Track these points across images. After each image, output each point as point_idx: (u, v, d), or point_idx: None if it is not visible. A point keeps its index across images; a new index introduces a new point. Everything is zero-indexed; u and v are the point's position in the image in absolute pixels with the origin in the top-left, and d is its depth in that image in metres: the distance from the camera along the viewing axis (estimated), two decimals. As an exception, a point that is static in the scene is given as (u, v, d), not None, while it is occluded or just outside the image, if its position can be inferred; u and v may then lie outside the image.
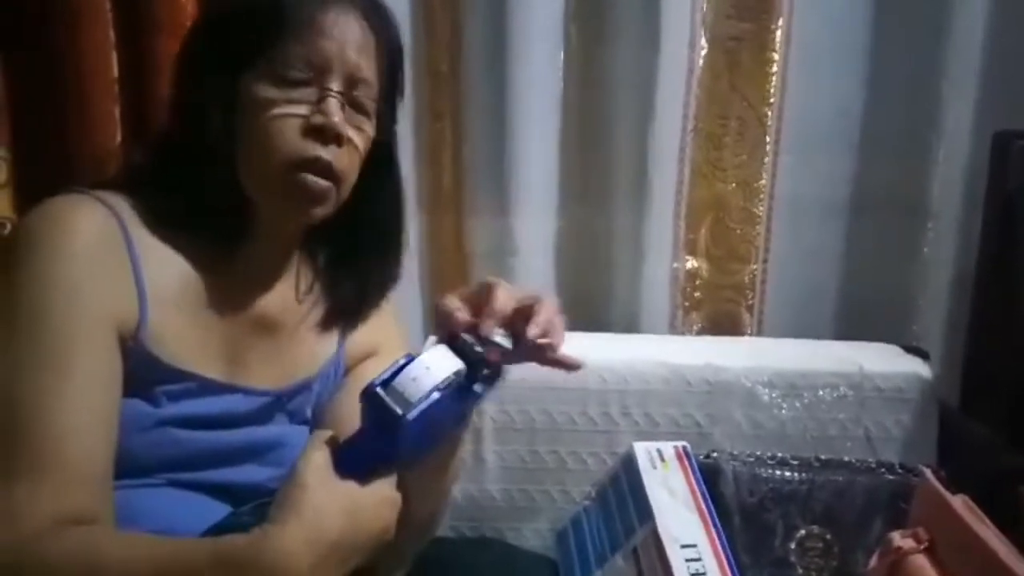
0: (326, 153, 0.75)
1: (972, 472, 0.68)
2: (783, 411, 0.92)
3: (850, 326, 1.21)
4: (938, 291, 1.18)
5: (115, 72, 1.03)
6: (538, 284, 1.21)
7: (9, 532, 0.61)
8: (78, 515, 0.64)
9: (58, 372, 0.66)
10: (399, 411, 0.61)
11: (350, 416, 0.82)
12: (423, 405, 0.62)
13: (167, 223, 0.75)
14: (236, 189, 0.76)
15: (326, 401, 0.89)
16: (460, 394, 0.65)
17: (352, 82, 0.76)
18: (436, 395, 0.62)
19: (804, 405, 0.92)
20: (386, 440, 0.63)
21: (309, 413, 0.88)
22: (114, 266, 0.71)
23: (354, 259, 0.86)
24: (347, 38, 0.76)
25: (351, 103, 0.77)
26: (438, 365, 0.63)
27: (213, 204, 0.76)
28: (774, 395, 0.93)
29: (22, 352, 0.66)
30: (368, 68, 0.77)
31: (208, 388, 0.77)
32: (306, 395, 0.87)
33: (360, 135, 0.78)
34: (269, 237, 0.80)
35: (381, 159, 0.82)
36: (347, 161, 0.77)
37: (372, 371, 0.87)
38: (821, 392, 0.93)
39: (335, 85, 0.75)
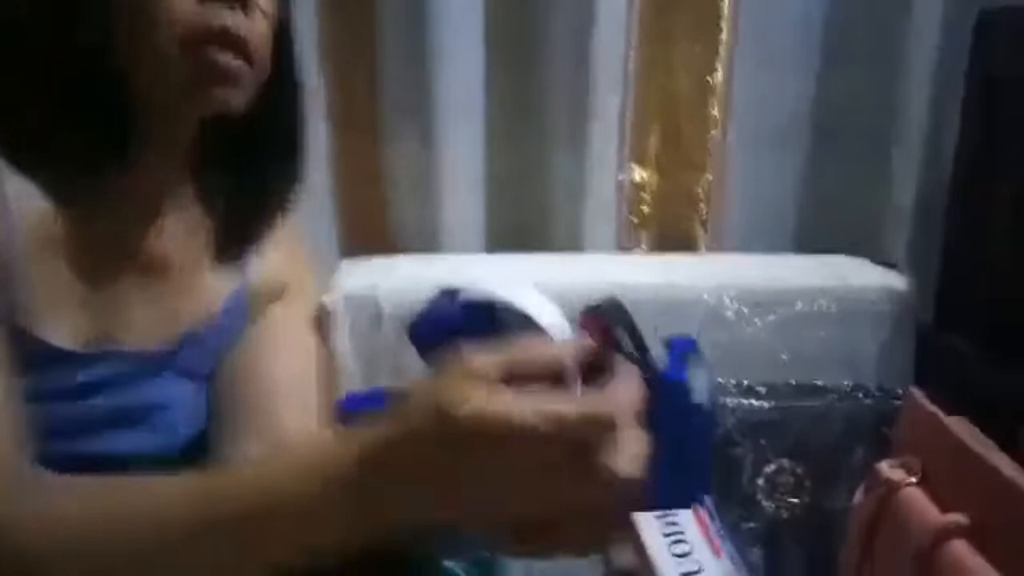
0: (232, 20, 0.63)
1: (956, 394, 0.63)
2: (749, 330, 0.86)
3: (811, 242, 1.15)
4: (906, 201, 1.13)
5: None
6: (466, 202, 1.12)
7: None
8: None
9: None
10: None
11: (257, 373, 0.79)
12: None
13: (15, 143, 0.63)
14: (110, 87, 0.63)
15: (227, 354, 0.80)
16: None
17: None
18: None
19: (773, 323, 0.86)
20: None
21: (203, 368, 0.79)
22: None
23: (249, 167, 0.75)
24: None
25: None
26: None
27: (79, 111, 0.63)
28: (741, 312, 0.86)
29: None
30: None
31: (69, 360, 0.68)
32: (199, 348, 0.78)
33: (267, 3, 0.66)
34: (157, 153, 0.69)
35: (278, 46, 0.70)
36: (259, 32, 0.65)
37: (282, 318, 0.83)
38: (796, 307, 0.87)
39: None
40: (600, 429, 0.46)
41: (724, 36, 1.12)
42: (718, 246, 1.16)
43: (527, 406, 0.46)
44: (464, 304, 0.55)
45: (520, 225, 1.15)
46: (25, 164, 0.64)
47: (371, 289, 0.94)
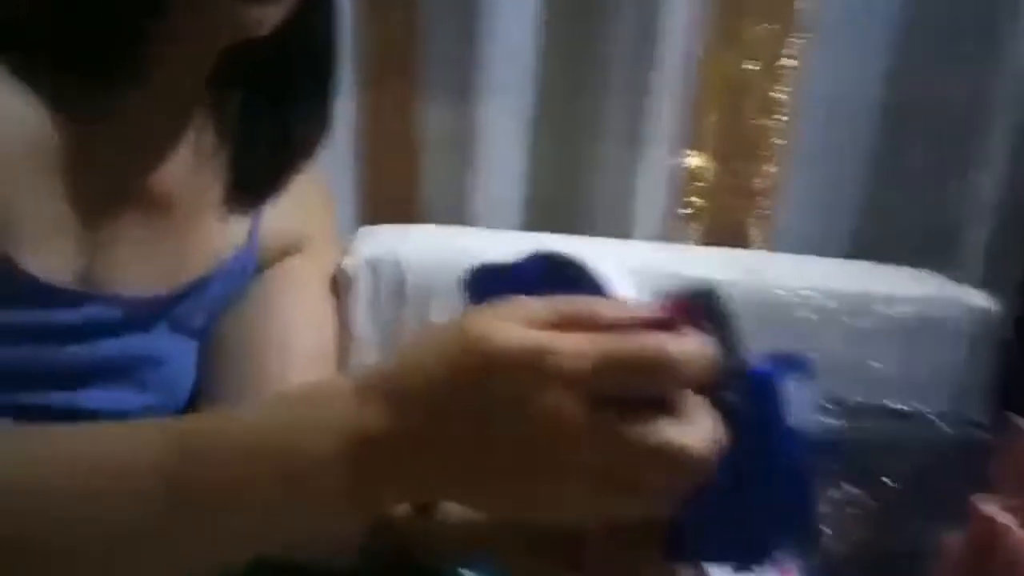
0: None
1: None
2: (816, 339, 0.77)
3: (876, 250, 1.06)
4: (987, 211, 1.03)
5: None
6: (504, 172, 1.03)
7: None
8: None
9: None
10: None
11: (263, 333, 0.71)
12: None
13: (16, 52, 0.56)
14: None
15: (227, 309, 0.73)
16: None
17: None
18: None
19: (842, 334, 0.77)
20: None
21: (200, 323, 0.72)
22: None
23: (273, 103, 0.67)
24: None
25: None
26: None
27: (86, 19, 0.55)
28: (809, 319, 0.77)
29: None
30: None
31: (53, 296, 0.60)
32: (199, 299, 0.70)
33: None
34: (174, 76, 0.61)
35: None
36: None
37: (297, 273, 0.75)
38: (867, 319, 0.78)
39: None
40: (668, 378, 0.36)
41: (798, 19, 1.02)
42: (770, 245, 1.07)
43: (576, 341, 0.35)
44: (535, 255, 0.45)
45: (561, 204, 1.05)
46: (32, 63, 0.56)
47: (395, 256, 0.85)
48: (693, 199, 1.07)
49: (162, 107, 0.63)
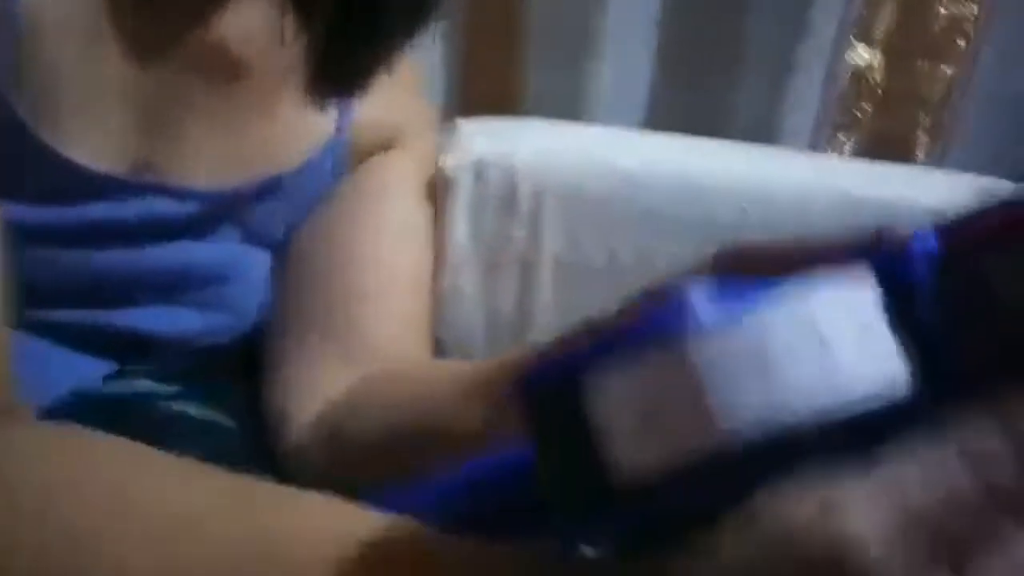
0: None
1: None
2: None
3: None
4: None
5: None
6: (627, 61, 0.88)
7: None
8: None
9: None
10: None
11: (345, 247, 0.62)
12: None
13: None
14: None
15: (310, 217, 0.63)
16: None
17: None
18: None
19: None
20: None
21: (277, 230, 0.63)
22: None
23: None
24: None
25: None
26: None
27: None
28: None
29: None
30: None
31: (99, 187, 0.52)
32: (277, 201, 0.61)
33: None
34: None
35: None
36: None
37: (389, 173, 0.65)
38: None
39: None
40: None
41: None
42: (942, 161, 0.91)
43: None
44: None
45: (693, 101, 0.90)
46: None
47: (506, 155, 0.72)
48: (859, 101, 0.91)
49: None
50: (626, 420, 0.23)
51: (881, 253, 0.27)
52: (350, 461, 0.51)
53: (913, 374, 0.24)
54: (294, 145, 0.61)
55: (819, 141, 0.91)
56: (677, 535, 0.23)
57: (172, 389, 0.58)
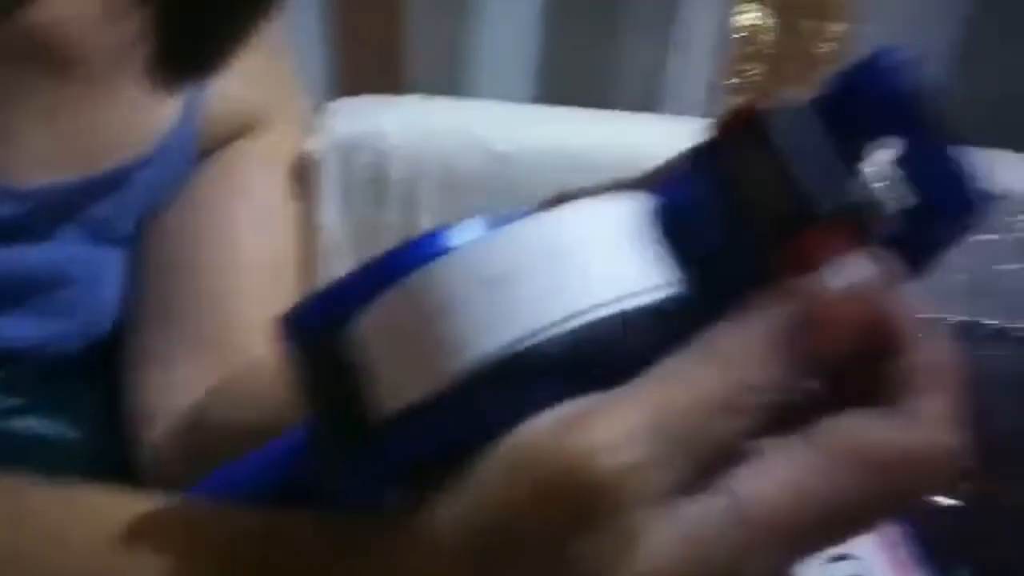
0: None
1: None
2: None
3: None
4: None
5: None
6: (510, 31, 0.86)
7: None
8: None
9: None
10: None
11: (203, 238, 0.60)
12: None
13: None
14: None
15: (161, 208, 0.60)
16: None
17: None
18: None
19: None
20: None
21: (125, 226, 0.59)
22: None
23: None
24: None
25: None
26: None
27: None
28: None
29: None
30: None
31: None
32: (122, 194, 0.57)
33: None
34: None
35: None
36: None
37: (248, 160, 0.62)
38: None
39: None
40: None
41: None
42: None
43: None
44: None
45: (581, 73, 0.90)
46: None
47: (376, 136, 0.69)
48: (746, 63, 0.91)
49: None
50: (382, 354, 0.23)
51: (664, 176, 0.27)
52: (206, 456, 0.49)
53: (685, 283, 0.24)
54: (140, 133, 0.57)
55: (711, 106, 0.91)
56: (438, 477, 0.23)
57: (15, 402, 0.55)
